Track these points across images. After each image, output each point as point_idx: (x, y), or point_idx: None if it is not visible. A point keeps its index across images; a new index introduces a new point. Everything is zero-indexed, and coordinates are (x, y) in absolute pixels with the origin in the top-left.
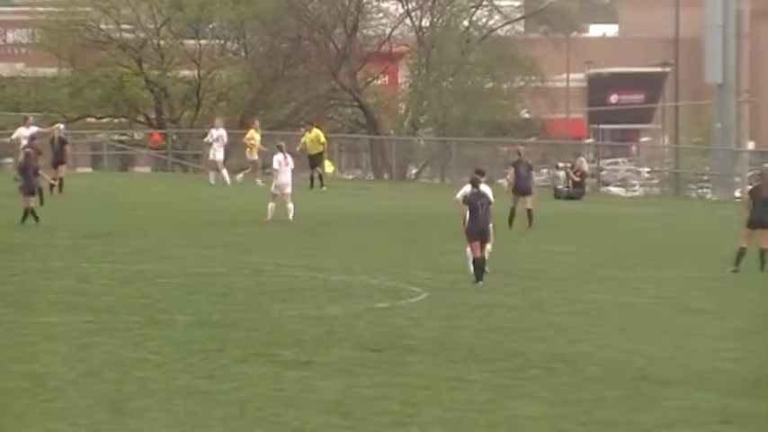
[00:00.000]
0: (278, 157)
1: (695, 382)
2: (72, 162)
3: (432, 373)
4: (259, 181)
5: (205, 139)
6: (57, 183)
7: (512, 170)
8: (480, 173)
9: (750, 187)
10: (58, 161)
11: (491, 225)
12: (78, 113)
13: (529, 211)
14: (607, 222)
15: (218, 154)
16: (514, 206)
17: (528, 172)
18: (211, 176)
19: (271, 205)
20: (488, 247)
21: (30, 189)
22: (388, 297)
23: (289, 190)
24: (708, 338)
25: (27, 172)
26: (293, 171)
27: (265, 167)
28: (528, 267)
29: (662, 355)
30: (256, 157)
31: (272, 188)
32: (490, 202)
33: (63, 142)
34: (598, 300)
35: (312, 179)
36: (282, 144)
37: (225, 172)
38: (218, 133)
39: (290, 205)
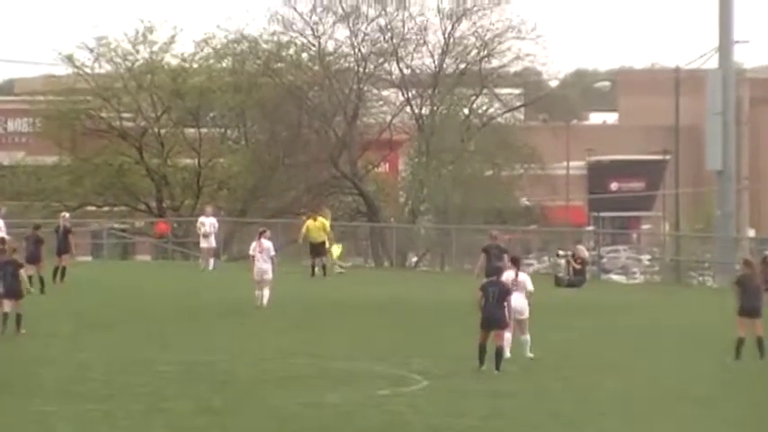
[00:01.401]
0: (253, 244)
1: None
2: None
3: None
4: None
5: (198, 228)
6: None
7: (483, 255)
8: (515, 260)
9: (738, 276)
10: (61, 250)
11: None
12: (78, 201)
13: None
14: (608, 310)
15: (212, 241)
16: None
17: (500, 255)
18: (201, 262)
19: (257, 293)
20: (508, 335)
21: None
22: (389, 384)
23: (267, 276)
24: (709, 428)
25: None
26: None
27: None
28: (521, 356)
29: None
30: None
31: (254, 275)
32: (507, 291)
33: (67, 231)
34: (599, 388)
35: (313, 267)
36: (264, 230)
37: (212, 260)
38: (210, 221)
39: (266, 291)
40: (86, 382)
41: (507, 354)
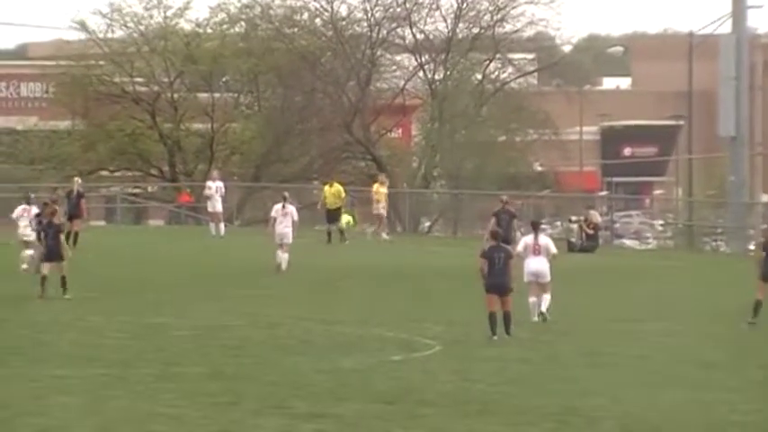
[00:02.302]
0: (276, 207)
1: None
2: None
3: (445, 427)
4: (384, 235)
5: (204, 192)
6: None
7: (493, 219)
8: (534, 224)
9: (761, 240)
10: (73, 215)
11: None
12: (92, 167)
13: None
14: (621, 275)
15: (217, 205)
16: None
17: (510, 221)
18: (212, 228)
19: (278, 253)
20: (532, 299)
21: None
22: (402, 350)
23: (287, 240)
24: (723, 391)
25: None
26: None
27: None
28: (543, 311)
29: (677, 408)
30: (382, 211)
31: (274, 238)
32: (510, 256)
33: (80, 196)
34: (612, 353)
35: (329, 233)
36: (286, 194)
37: (222, 225)
38: (216, 185)
39: (286, 255)
40: (99, 347)
41: (535, 318)
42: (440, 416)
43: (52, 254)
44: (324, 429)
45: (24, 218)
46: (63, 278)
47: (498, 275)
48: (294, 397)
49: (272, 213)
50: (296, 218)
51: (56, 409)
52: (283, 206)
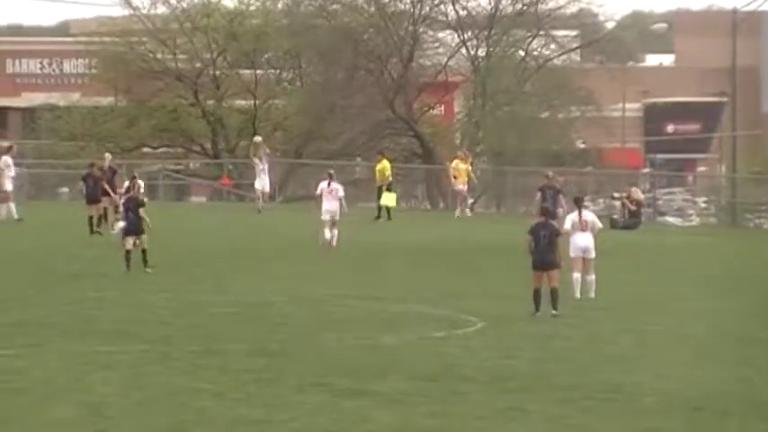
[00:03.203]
0: (323, 185)
1: (754, 413)
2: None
3: (487, 403)
4: (468, 211)
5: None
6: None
7: (538, 194)
8: (577, 200)
9: None
10: (105, 192)
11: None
12: (134, 144)
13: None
14: (664, 252)
15: (262, 183)
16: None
17: (555, 196)
18: (259, 204)
19: (326, 232)
20: (577, 275)
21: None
22: (444, 327)
23: (334, 217)
24: (766, 368)
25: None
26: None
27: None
28: (584, 297)
29: (719, 385)
30: (461, 186)
31: (322, 215)
32: (557, 232)
33: (114, 172)
34: (655, 330)
35: (380, 209)
36: (332, 172)
37: (261, 202)
38: (263, 165)
39: (335, 231)
40: (142, 324)
41: (577, 295)
42: (481, 393)
43: (133, 229)
44: (366, 406)
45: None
46: (144, 252)
47: (544, 252)
48: (336, 374)
49: (317, 191)
50: (342, 194)
51: (97, 385)
52: (329, 183)
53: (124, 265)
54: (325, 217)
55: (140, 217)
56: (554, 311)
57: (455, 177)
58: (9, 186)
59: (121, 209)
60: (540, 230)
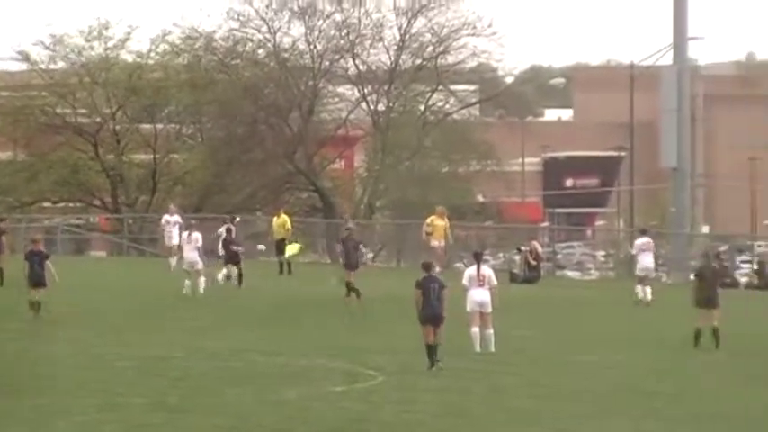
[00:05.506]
0: (183, 235)
1: None
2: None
3: None
4: (438, 269)
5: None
6: None
7: (339, 246)
8: (476, 254)
9: (697, 266)
10: None
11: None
12: (33, 198)
13: (348, 283)
14: (563, 306)
15: (173, 239)
16: (347, 279)
17: (355, 248)
18: (172, 261)
19: (186, 282)
20: (475, 330)
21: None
22: (345, 381)
23: (197, 267)
24: (665, 422)
25: None
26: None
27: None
28: (484, 351)
29: None
30: (436, 243)
31: (183, 266)
32: (443, 286)
33: (2, 232)
34: (554, 384)
35: (281, 264)
36: (193, 222)
37: (174, 259)
38: (174, 219)
39: (201, 279)
40: (42, 378)
41: (477, 348)
42: None
43: (37, 279)
44: None
45: None
46: (39, 304)
47: (434, 306)
48: (237, 429)
49: (175, 240)
50: (199, 244)
51: None
52: (189, 233)
53: (32, 314)
54: (186, 267)
55: (45, 269)
56: (438, 363)
57: (429, 234)
58: None
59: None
60: (429, 284)
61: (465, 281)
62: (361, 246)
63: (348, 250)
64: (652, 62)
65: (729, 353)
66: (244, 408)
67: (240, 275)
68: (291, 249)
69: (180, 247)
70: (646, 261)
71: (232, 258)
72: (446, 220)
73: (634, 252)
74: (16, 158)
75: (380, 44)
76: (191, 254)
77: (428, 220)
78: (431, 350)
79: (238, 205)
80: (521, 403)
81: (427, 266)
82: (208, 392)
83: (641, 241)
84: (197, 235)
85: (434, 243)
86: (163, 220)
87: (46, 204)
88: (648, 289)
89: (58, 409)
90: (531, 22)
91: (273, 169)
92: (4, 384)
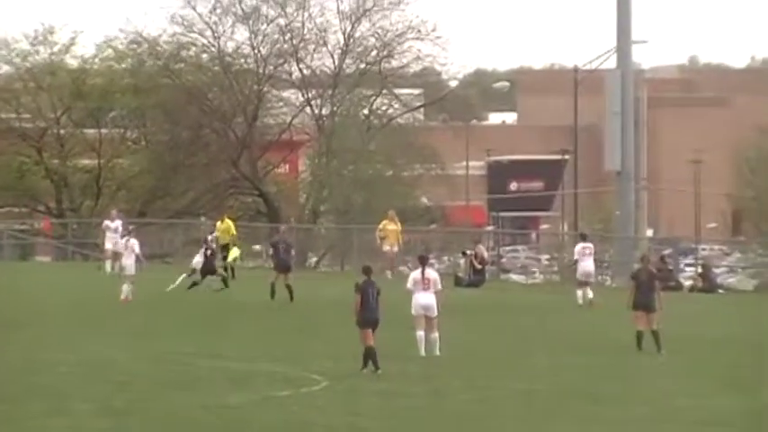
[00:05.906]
0: (122, 241)
1: None
2: None
3: None
4: (389, 273)
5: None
6: None
7: (271, 249)
8: (422, 258)
9: (633, 270)
10: None
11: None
12: None
13: (288, 286)
14: (507, 310)
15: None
16: (274, 281)
17: (287, 250)
18: (107, 266)
19: (124, 287)
20: (420, 333)
21: None
22: (289, 385)
23: (127, 272)
24: (610, 425)
25: None
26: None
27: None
28: (429, 355)
29: None
30: (388, 248)
31: (119, 271)
32: (379, 291)
33: None
34: (499, 387)
35: (225, 269)
36: (131, 227)
37: (108, 263)
38: (115, 224)
39: (127, 285)
40: None
41: (422, 352)
42: None
43: None
44: None
45: None
46: None
47: (373, 309)
48: None
49: (110, 245)
50: (137, 250)
51: None
52: (127, 239)
53: None
54: (120, 271)
55: None
56: (379, 370)
57: (382, 239)
58: None
59: None
60: (369, 288)
61: (410, 284)
62: (292, 249)
63: (278, 252)
64: (596, 66)
65: (673, 355)
66: (188, 413)
67: (225, 280)
68: (232, 254)
69: (115, 253)
70: (586, 266)
71: (209, 270)
72: (398, 224)
73: (576, 257)
74: None
75: (324, 48)
76: (127, 260)
77: (381, 225)
78: (369, 353)
79: (183, 210)
80: (466, 407)
81: (367, 270)
82: (153, 397)
83: (581, 246)
84: (134, 241)
85: (386, 248)
86: (104, 225)
87: None
88: (589, 289)
89: (6, 416)
90: (476, 26)
91: (218, 174)
92: None
